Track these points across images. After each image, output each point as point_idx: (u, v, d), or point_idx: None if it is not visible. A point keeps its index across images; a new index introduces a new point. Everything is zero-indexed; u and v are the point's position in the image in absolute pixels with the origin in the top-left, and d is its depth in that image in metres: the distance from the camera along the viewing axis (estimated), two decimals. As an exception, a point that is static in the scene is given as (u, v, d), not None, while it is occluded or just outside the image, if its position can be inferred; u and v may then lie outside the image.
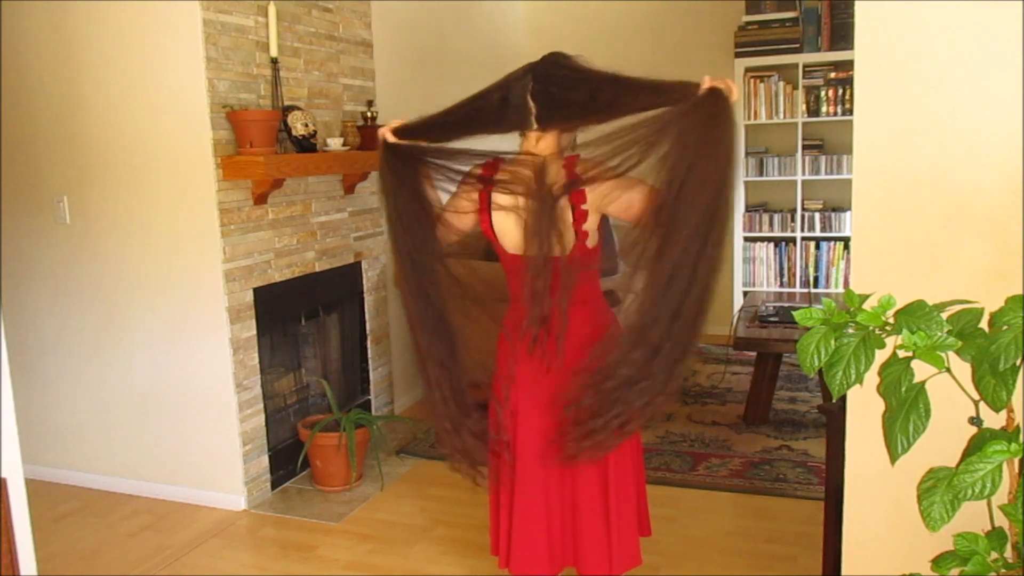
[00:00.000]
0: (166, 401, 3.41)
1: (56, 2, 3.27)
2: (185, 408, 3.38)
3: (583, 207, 1.97)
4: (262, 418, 3.45)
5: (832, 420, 2.08)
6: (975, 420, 1.20)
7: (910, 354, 1.16)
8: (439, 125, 2.00)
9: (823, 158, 5.41)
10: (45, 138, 3.41)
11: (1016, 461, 1.18)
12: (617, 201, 1.94)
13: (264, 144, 3.16)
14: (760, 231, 5.60)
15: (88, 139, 3.33)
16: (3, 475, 1.78)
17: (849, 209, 4.49)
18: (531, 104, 1.93)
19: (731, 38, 5.56)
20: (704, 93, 1.78)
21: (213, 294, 3.24)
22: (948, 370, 1.14)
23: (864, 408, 1.74)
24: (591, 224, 2.00)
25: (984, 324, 1.19)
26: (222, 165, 3.15)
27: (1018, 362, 1.11)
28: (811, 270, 5.52)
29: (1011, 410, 1.20)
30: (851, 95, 3.51)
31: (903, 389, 1.17)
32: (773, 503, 3.25)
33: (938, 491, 1.13)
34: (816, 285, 5.51)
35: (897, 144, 1.69)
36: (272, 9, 3.31)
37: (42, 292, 3.56)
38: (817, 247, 5.50)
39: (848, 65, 5.12)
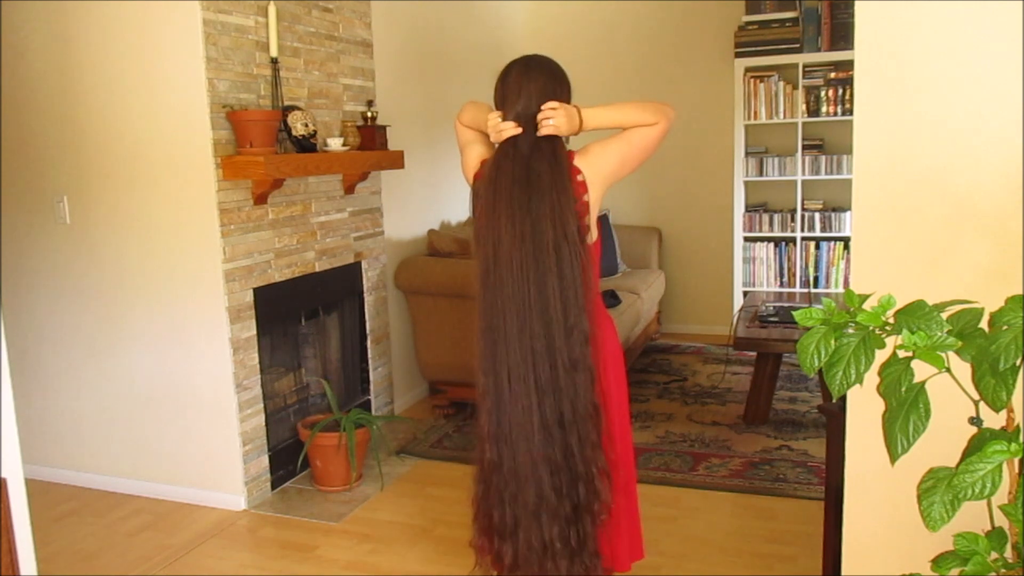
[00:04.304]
0: (166, 401, 3.41)
1: (56, 2, 3.27)
2: (185, 408, 3.38)
3: (584, 198, 1.97)
4: (262, 418, 3.45)
5: (832, 420, 2.08)
6: (975, 420, 1.20)
7: (910, 354, 1.16)
8: None
9: (823, 158, 5.41)
10: (45, 138, 3.42)
11: (1016, 461, 1.18)
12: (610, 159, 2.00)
13: (264, 144, 3.16)
14: (760, 231, 5.60)
15: (88, 139, 3.34)
16: (3, 475, 1.78)
17: (849, 209, 4.50)
18: None
19: (731, 38, 5.56)
20: None
21: (213, 294, 3.24)
22: (948, 370, 1.14)
23: (864, 408, 1.74)
24: (593, 217, 2.00)
25: (984, 324, 1.19)
26: (222, 165, 3.15)
27: (1018, 362, 1.11)
28: (811, 270, 5.52)
29: (1011, 410, 1.20)
30: (851, 95, 3.51)
31: (903, 389, 1.17)
32: (773, 503, 3.25)
33: (938, 491, 1.13)
34: (816, 285, 5.51)
35: (897, 144, 1.69)
36: (272, 9, 3.31)
37: (42, 292, 3.56)
38: (817, 247, 5.50)
39: (848, 65, 5.12)
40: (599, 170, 1.99)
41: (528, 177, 1.91)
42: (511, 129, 1.96)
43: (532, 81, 1.98)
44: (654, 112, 1.99)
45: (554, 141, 1.96)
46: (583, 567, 1.95)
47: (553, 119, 1.93)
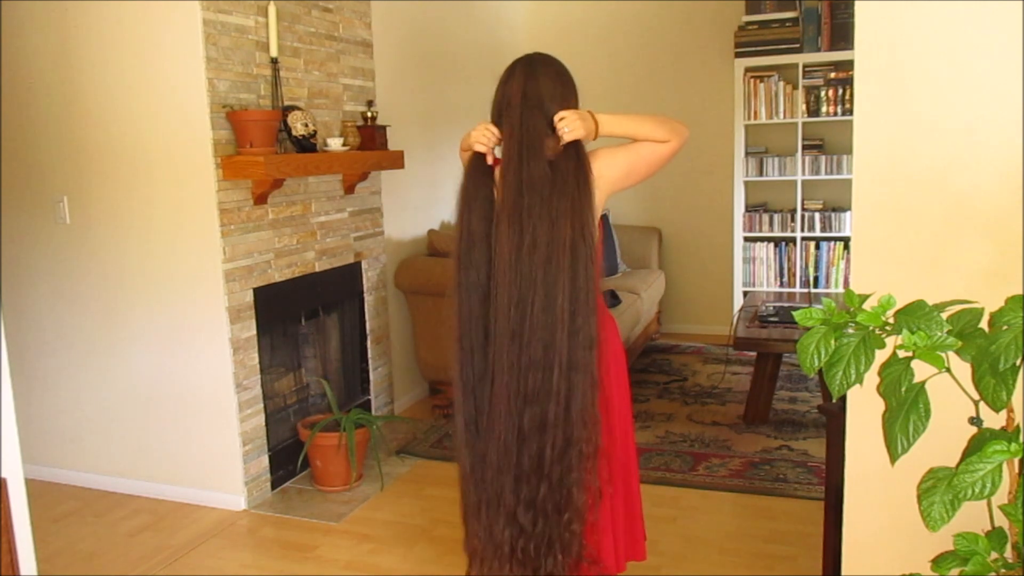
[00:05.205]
0: (166, 401, 3.41)
1: (56, 2, 3.27)
2: (185, 408, 3.38)
3: None
4: (262, 418, 3.45)
5: (832, 420, 2.08)
6: (975, 420, 1.20)
7: (910, 354, 1.16)
8: None
9: (823, 158, 5.41)
10: (45, 138, 3.41)
11: (1016, 461, 1.18)
12: (617, 167, 2.01)
13: (264, 144, 3.16)
14: (760, 231, 5.60)
15: (88, 139, 3.34)
16: (3, 475, 1.78)
17: (849, 209, 4.50)
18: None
19: (731, 38, 5.56)
20: None
21: (213, 294, 3.24)
22: (948, 370, 1.14)
23: (864, 408, 1.74)
24: (595, 219, 2.00)
25: (984, 324, 1.19)
26: (222, 165, 3.15)
27: (1018, 362, 1.11)
28: (811, 270, 5.52)
29: (1011, 410, 1.20)
30: (851, 95, 3.51)
31: (903, 389, 1.17)
32: (773, 503, 3.25)
33: (938, 491, 1.13)
34: (816, 285, 5.51)
35: (897, 144, 1.69)
36: (272, 9, 3.31)
37: (42, 292, 3.56)
38: (817, 247, 5.50)
39: (848, 65, 5.12)
40: (603, 175, 1.99)
41: (554, 177, 1.89)
42: (480, 139, 1.97)
43: (540, 86, 1.96)
44: (669, 130, 2.00)
45: (578, 143, 1.96)
46: (538, 569, 1.91)
47: (569, 128, 1.93)
